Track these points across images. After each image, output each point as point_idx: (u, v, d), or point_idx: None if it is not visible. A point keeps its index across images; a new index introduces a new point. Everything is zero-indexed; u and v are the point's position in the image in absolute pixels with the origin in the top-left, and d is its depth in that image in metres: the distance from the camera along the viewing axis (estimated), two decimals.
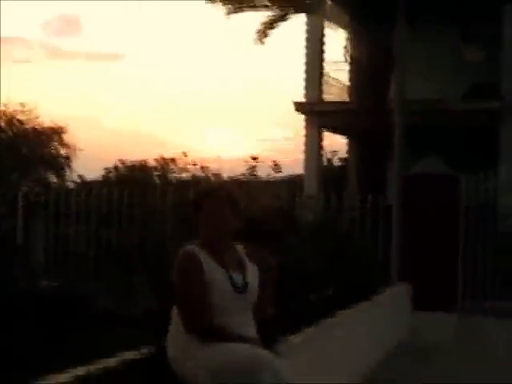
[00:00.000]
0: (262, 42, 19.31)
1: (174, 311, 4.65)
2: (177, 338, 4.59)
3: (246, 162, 11.13)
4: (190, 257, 4.57)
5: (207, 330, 4.49)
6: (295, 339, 6.14)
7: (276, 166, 10.90)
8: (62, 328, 11.45)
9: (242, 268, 4.73)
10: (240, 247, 4.87)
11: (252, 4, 19.05)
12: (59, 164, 27.25)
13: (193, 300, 4.49)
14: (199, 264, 4.54)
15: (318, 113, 21.60)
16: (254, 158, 11.00)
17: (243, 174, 11.24)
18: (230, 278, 4.61)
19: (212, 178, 18.44)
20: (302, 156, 22.35)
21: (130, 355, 5.08)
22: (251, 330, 4.64)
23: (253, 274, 4.79)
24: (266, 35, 19.21)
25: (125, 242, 11.84)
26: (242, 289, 4.63)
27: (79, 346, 9.90)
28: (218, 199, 4.69)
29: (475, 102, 20.12)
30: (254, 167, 10.81)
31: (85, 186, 19.56)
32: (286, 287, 6.34)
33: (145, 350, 5.13)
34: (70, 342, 10.18)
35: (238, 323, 4.59)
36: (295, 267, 6.37)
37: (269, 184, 13.21)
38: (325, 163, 24.24)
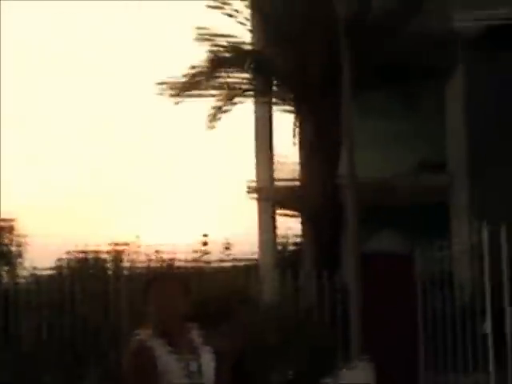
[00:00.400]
0: (213, 127, 19.52)
1: None
2: None
3: (198, 248, 11.03)
4: (140, 346, 4.44)
5: None
6: None
7: (227, 245, 10.82)
8: None
9: (196, 352, 4.59)
10: (194, 330, 4.74)
11: (199, 94, 19.33)
12: (8, 256, 26.75)
13: None
14: (151, 355, 4.42)
15: (270, 196, 21.66)
16: (205, 244, 10.95)
17: (196, 260, 11.11)
18: (184, 364, 4.47)
19: (165, 265, 18.20)
20: (255, 239, 22.27)
21: None
22: None
23: (208, 358, 4.65)
24: (215, 119, 19.44)
25: (77, 335, 11.60)
26: (196, 375, 4.49)
27: None
28: (166, 282, 4.62)
29: (424, 178, 20.39)
30: (205, 250, 10.72)
31: (36, 277, 19.19)
32: (244, 368, 6.18)
33: None
34: None
35: None
36: (253, 347, 6.22)
37: (223, 267, 13.10)
38: (279, 245, 24.18)
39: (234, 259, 11.43)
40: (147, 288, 4.66)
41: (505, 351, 12.44)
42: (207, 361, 4.64)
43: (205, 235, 10.94)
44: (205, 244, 10.87)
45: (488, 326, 12.53)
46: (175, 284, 4.63)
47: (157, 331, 4.55)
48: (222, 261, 11.20)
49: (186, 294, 4.65)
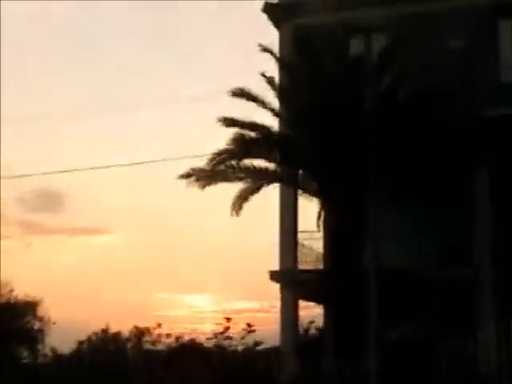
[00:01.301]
0: (238, 214, 19.56)
1: None
2: None
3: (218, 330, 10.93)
4: None
5: None
6: None
7: (249, 327, 10.71)
8: None
9: None
10: None
11: (225, 177, 19.43)
12: (32, 337, 26.78)
13: None
14: None
15: (293, 281, 21.51)
16: (228, 319, 10.84)
17: (218, 345, 11.02)
18: None
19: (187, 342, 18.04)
20: (277, 327, 22.05)
21: None
22: None
23: None
24: (241, 207, 19.50)
25: None
26: None
27: None
28: (188, 356, 4.61)
29: (449, 269, 20.17)
30: (227, 331, 10.62)
31: (57, 359, 19.15)
32: None
33: None
34: None
35: None
36: None
37: (244, 349, 12.96)
38: (300, 330, 23.92)
39: (256, 342, 11.31)
40: (169, 361, 4.63)
41: None
42: None
43: (227, 318, 10.85)
44: (227, 328, 10.79)
45: None
46: (197, 359, 4.61)
47: None
48: (243, 343, 11.11)
49: (207, 370, 4.63)
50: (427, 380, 12.78)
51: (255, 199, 20.05)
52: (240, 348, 11.12)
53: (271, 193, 22.14)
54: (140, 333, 21.89)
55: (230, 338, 10.69)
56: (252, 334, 11.13)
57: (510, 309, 13.76)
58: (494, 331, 13.64)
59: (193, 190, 19.61)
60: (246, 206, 19.80)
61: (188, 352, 4.41)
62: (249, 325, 10.77)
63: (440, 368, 13.23)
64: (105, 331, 22.93)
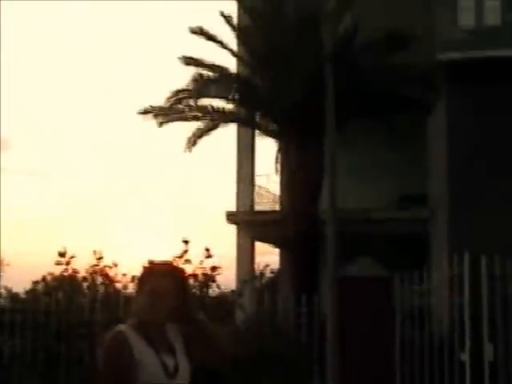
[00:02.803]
0: (190, 150, 19.57)
1: None
2: None
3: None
4: (118, 337, 4.33)
5: None
6: None
7: (207, 252, 10.67)
8: None
9: (173, 350, 4.51)
10: (173, 327, 4.66)
11: (183, 116, 19.34)
12: None
13: None
14: (128, 345, 4.31)
15: (249, 223, 21.61)
16: (186, 242, 10.80)
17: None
18: (161, 361, 4.39)
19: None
20: (232, 265, 22.18)
21: None
22: None
23: (185, 358, 4.57)
24: (194, 144, 19.51)
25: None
26: (172, 372, 4.41)
27: None
28: (168, 279, 4.50)
29: (405, 210, 20.44)
30: (185, 254, 10.58)
31: (11, 298, 18.99)
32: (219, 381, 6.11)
33: None
34: None
35: None
36: (231, 365, 6.13)
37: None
38: (257, 272, 24.11)
39: (214, 267, 11.20)
40: (143, 280, 4.53)
41: (482, 382, 12.38)
42: (184, 361, 4.56)
43: (185, 241, 10.80)
44: (185, 251, 10.76)
45: (466, 355, 12.48)
46: (173, 280, 4.52)
47: (138, 326, 4.47)
48: (201, 268, 11.04)
49: (179, 292, 4.55)
50: (382, 314, 12.96)
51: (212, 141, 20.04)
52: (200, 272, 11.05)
53: (228, 135, 22.16)
54: (96, 272, 21.78)
55: (189, 261, 10.63)
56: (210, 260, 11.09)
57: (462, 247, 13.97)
58: (447, 270, 13.84)
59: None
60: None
61: (165, 268, 4.28)
62: (207, 249, 10.72)
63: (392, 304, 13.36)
64: (60, 271, 22.72)
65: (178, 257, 10.54)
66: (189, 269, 9.95)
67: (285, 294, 15.64)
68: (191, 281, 7.33)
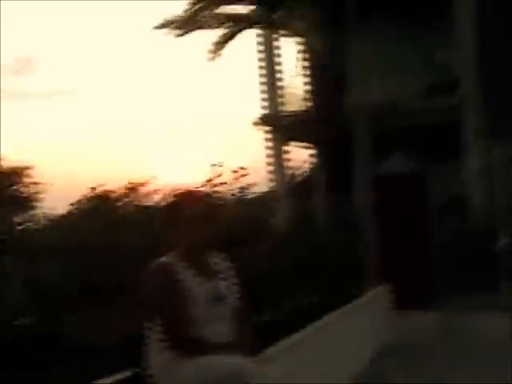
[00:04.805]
0: (214, 60, 19.34)
1: (152, 329, 4.52)
2: (157, 356, 4.47)
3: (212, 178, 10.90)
4: (163, 268, 4.45)
5: (187, 343, 4.38)
6: (275, 348, 6.02)
7: (242, 169, 10.61)
8: (37, 363, 11.33)
9: (219, 277, 4.62)
10: (218, 255, 4.76)
11: (201, 25, 19.07)
12: (25, 203, 26.97)
13: (170, 313, 4.37)
14: (174, 275, 4.42)
15: (278, 126, 21.55)
16: (217, 165, 10.80)
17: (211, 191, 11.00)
18: (208, 287, 4.50)
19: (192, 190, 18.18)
20: (264, 171, 22.28)
21: (111, 379, 4.97)
22: (230, 339, 4.53)
23: (231, 282, 4.68)
24: (219, 51, 19.24)
25: (97, 274, 11.68)
26: (220, 298, 4.52)
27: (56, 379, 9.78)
28: (197, 208, 4.57)
29: (435, 100, 20.16)
30: (219, 180, 10.62)
31: (53, 222, 19.32)
32: (261, 295, 6.24)
33: (120, 376, 5.00)
34: (46, 377, 10.09)
35: (218, 333, 4.48)
36: (270, 275, 6.25)
37: (237, 201, 12.95)
38: (290, 176, 24.17)
39: (248, 185, 11.19)
40: (173, 210, 4.61)
41: None
42: (230, 285, 4.67)
43: (219, 165, 10.75)
44: (219, 175, 10.72)
45: (505, 242, 12.49)
46: (205, 211, 4.59)
47: (182, 256, 4.56)
48: (236, 192, 11.06)
49: (212, 219, 4.64)
50: (417, 210, 12.98)
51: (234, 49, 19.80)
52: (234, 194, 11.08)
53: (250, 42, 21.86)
54: (132, 189, 22.01)
55: (224, 183, 10.65)
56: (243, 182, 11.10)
57: (495, 135, 13.83)
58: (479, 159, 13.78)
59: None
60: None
61: (196, 199, 4.37)
62: (242, 168, 10.66)
63: (428, 198, 13.39)
64: (95, 191, 22.97)
65: (210, 180, 10.55)
66: (222, 190, 9.92)
67: (319, 195, 15.71)
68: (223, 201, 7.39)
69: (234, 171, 10.30)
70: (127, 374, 5.03)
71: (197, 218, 4.52)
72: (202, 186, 9.56)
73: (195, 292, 4.43)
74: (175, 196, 4.95)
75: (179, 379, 4.36)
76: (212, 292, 4.50)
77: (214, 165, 10.41)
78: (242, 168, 10.78)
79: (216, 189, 10.71)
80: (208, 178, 10.25)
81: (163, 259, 4.54)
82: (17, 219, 25.13)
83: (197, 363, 4.33)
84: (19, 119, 48.11)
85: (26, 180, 27.77)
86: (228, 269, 4.73)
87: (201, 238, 4.56)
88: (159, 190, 17.51)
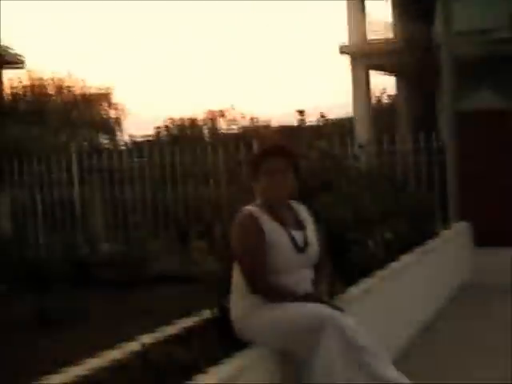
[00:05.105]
0: None
1: (235, 273, 4.66)
2: (239, 300, 4.63)
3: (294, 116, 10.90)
4: (249, 218, 4.58)
5: (269, 289, 4.52)
6: (357, 289, 6.12)
7: (322, 116, 10.60)
8: (119, 288, 11.73)
9: (301, 226, 4.73)
10: (299, 205, 4.87)
11: None
12: (109, 126, 27.45)
13: (253, 260, 4.51)
14: (259, 224, 4.56)
15: (363, 53, 21.32)
16: (301, 112, 10.76)
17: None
18: (291, 236, 4.62)
19: (261, 129, 18.29)
20: (350, 99, 22.14)
21: (193, 319, 5.13)
22: (310, 288, 4.65)
23: (313, 231, 4.79)
24: None
25: (180, 203, 11.87)
26: (302, 247, 4.64)
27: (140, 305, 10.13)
28: (281, 159, 4.66)
29: None
30: (302, 119, 10.60)
31: (136, 146, 19.59)
32: (344, 237, 6.32)
33: (207, 313, 5.17)
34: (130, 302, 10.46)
35: (299, 281, 4.61)
36: (352, 216, 6.32)
37: (318, 128, 12.89)
38: (373, 103, 23.96)
39: (328, 121, 11.12)
40: (257, 162, 4.71)
41: None
42: (312, 234, 4.78)
43: (300, 111, 10.72)
44: (301, 113, 10.69)
45: None
46: (289, 162, 4.68)
47: (265, 206, 4.68)
48: (316, 127, 11.08)
49: (296, 171, 4.73)
50: (503, 149, 12.70)
51: None
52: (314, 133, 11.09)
53: None
54: (215, 115, 22.24)
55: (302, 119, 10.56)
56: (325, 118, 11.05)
57: None
58: None
59: None
60: None
61: (280, 151, 4.38)
62: (322, 115, 10.64)
63: None
64: (179, 117, 23.28)
65: (301, 112, 10.48)
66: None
67: (401, 130, 15.54)
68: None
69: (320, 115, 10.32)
70: (214, 311, 5.18)
71: (279, 171, 4.61)
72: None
73: (278, 241, 4.57)
74: (259, 149, 5.06)
75: (257, 324, 4.50)
76: (294, 241, 4.62)
77: (300, 111, 10.39)
78: (322, 115, 10.71)
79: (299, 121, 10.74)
80: (298, 111, 10.23)
81: (249, 208, 4.67)
82: (104, 140, 25.69)
83: (277, 310, 4.46)
84: None
85: (109, 104, 28.20)
86: (309, 219, 4.84)
87: (283, 190, 4.66)
88: (238, 118, 17.66)
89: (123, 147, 19.49)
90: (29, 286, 9.56)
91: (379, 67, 22.13)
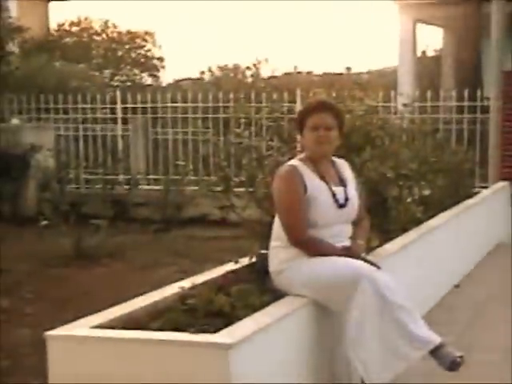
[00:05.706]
0: None
1: (276, 224, 4.74)
2: (278, 251, 4.71)
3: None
4: (293, 172, 4.64)
5: (308, 243, 4.59)
6: (394, 245, 6.19)
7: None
8: (157, 229, 11.89)
9: (343, 182, 4.79)
10: (342, 161, 4.92)
11: None
12: (153, 65, 27.46)
13: (294, 213, 4.58)
14: (301, 178, 4.62)
15: (410, 3, 21.00)
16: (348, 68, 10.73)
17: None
18: (332, 192, 4.68)
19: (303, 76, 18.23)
20: (395, 48, 21.88)
21: (231, 265, 5.24)
22: (349, 243, 4.73)
23: (354, 188, 4.84)
24: None
25: (222, 148, 11.91)
26: (343, 203, 4.70)
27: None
28: (326, 115, 4.70)
29: None
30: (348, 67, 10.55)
31: (178, 87, 19.55)
32: (383, 194, 6.36)
33: (245, 260, 5.26)
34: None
35: (338, 236, 4.68)
36: (392, 172, 6.34)
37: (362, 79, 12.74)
38: (419, 56, 23.67)
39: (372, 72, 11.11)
40: (303, 117, 4.76)
41: None
42: (353, 190, 4.84)
43: (348, 68, 10.68)
44: (348, 68, 10.67)
45: None
46: (334, 118, 4.72)
47: (308, 161, 4.74)
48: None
49: (341, 127, 4.78)
50: None
51: None
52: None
53: None
54: (258, 62, 22.24)
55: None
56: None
57: None
58: None
59: None
60: None
61: (326, 106, 4.40)
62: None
63: None
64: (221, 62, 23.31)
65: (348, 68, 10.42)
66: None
67: (446, 85, 15.38)
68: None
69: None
70: (247, 261, 5.26)
71: (324, 127, 4.66)
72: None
73: (319, 196, 4.63)
74: (305, 104, 5.09)
75: (295, 276, 4.59)
76: (335, 197, 4.68)
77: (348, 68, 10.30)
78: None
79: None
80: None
81: (292, 162, 4.73)
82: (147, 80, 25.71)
83: (315, 262, 4.55)
84: None
85: (154, 43, 28.17)
86: (351, 175, 4.89)
87: (327, 146, 4.71)
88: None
89: (166, 87, 19.46)
90: (68, 222, 9.73)
91: (427, 19, 21.80)
